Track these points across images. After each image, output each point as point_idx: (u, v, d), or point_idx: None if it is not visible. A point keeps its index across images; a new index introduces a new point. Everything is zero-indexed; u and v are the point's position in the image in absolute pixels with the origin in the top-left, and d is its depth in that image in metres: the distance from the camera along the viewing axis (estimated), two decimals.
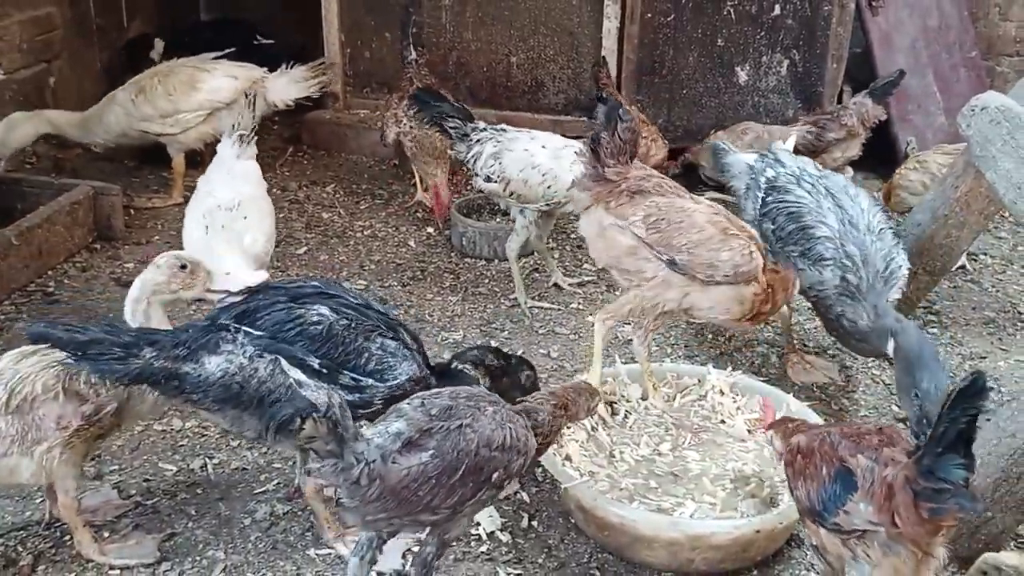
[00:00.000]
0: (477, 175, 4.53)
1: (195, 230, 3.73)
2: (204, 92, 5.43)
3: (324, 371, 2.77)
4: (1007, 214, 5.04)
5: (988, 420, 3.19)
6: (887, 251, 3.48)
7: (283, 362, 2.72)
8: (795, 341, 4.22)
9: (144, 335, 2.67)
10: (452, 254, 5.26)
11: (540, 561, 3.01)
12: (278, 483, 3.35)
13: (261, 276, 3.19)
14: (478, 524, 3.14)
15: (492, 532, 3.12)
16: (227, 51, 6.14)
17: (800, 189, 3.68)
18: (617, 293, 4.21)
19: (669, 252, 3.22)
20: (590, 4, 6.40)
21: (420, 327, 4.44)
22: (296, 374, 2.73)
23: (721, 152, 4.26)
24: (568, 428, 3.29)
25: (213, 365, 2.67)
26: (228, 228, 3.74)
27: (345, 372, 2.83)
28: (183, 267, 3.01)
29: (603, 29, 6.33)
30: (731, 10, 6.15)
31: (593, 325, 3.59)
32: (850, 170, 5.72)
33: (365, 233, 5.51)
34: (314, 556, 3.00)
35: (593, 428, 3.35)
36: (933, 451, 2.15)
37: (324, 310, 2.86)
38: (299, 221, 5.57)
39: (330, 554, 3.01)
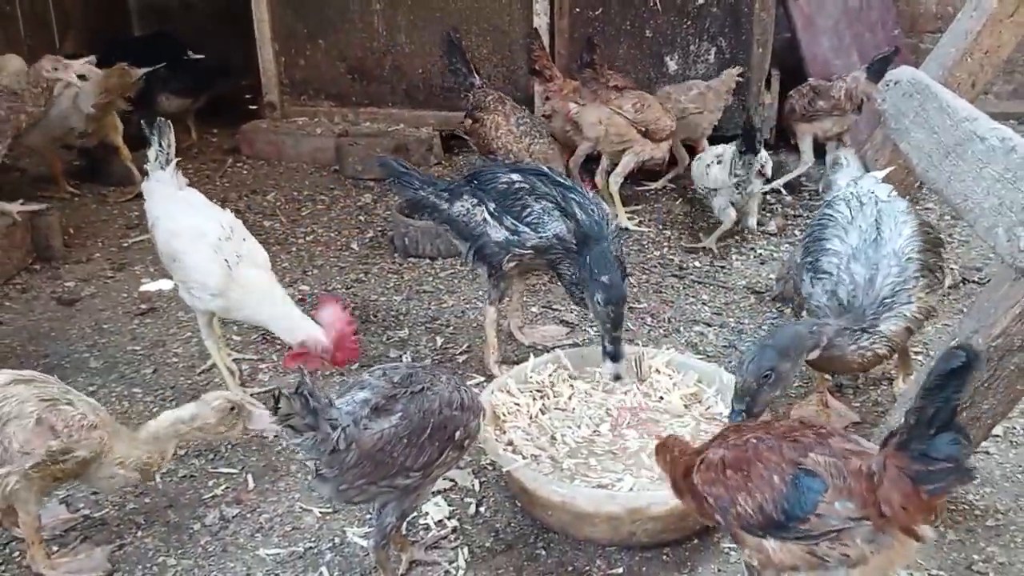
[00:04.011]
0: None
1: (216, 267, 3.63)
2: None
3: (496, 214, 3.82)
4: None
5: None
6: (904, 280, 3.21)
7: (486, 210, 3.84)
8: (828, 381, 3.80)
9: (431, 180, 4.07)
10: (395, 255, 5.31)
11: (488, 545, 3.08)
12: (226, 487, 3.38)
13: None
14: (426, 513, 3.20)
15: (440, 520, 3.18)
16: (157, 66, 6.18)
17: (845, 206, 3.49)
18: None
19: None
20: (519, 2, 6.50)
21: (365, 328, 4.50)
22: (488, 216, 3.85)
23: (836, 167, 4.00)
24: (511, 416, 3.40)
25: (456, 207, 3.91)
26: (245, 256, 3.72)
27: (508, 217, 3.80)
28: (232, 409, 2.98)
29: (533, 25, 6.42)
30: (657, 1, 6.27)
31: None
32: (848, 140, 5.88)
33: (307, 239, 5.55)
34: (264, 556, 3.04)
35: (534, 416, 3.42)
36: (924, 433, 2.11)
37: (516, 176, 3.88)
38: None
39: (279, 554, 3.05)
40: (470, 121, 5.63)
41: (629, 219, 5.72)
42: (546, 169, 3.97)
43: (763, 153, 5.17)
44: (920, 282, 3.26)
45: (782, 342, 3.00)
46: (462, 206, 3.91)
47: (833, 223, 3.47)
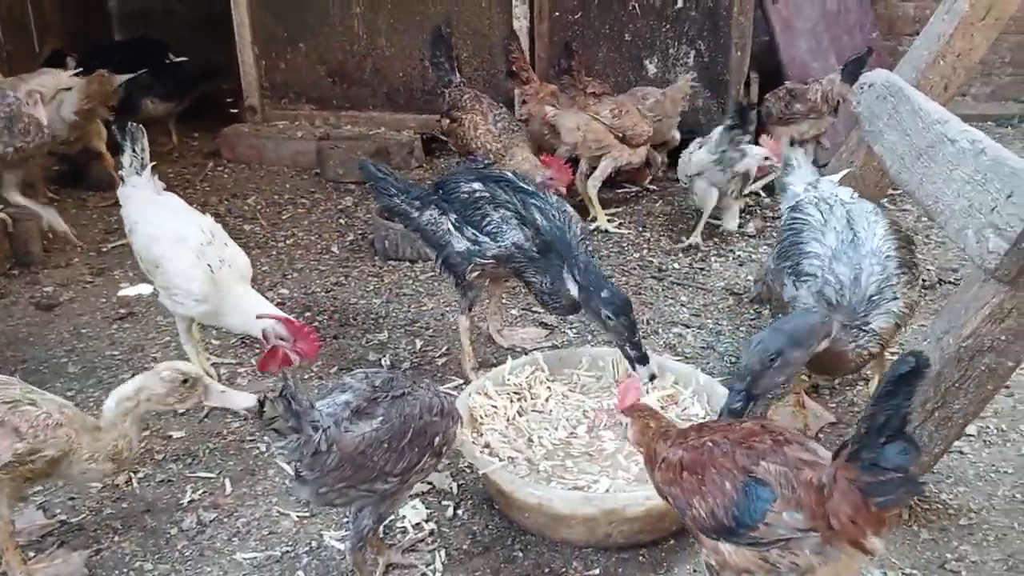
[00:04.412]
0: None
1: (198, 271, 3.65)
2: None
3: (457, 225, 3.84)
4: None
5: None
6: (887, 277, 3.21)
7: (450, 220, 3.85)
8: (804, 382, 3.83)
9: (406, 187, 4.03)
10: (375, 258, 5.32)
11: (465, 547, 3.08)
12: (204, 492, 3.38)
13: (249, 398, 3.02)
14: (403, 517, 3.20)
15: (417, 523, 3.19)
16: (138, 72, 6.17)
17: (815, 209, 3.50)
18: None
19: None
20: (499, 5, 6.52)
21: (344, 331, 4.50)
22: (451, 227, 3.86)
23: (788, 168, 3.98)
24: (488, 418, 3.41)
25: (425, 215, 3.92)
26: (226, 261, 3.72)
27: (469, 227, 3.81)
28: (185, 381, 2.94)
29: (513, 29, 6.44)
30: (636, 5, 6.30)
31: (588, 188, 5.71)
32: (826, 142, 5.94)
33: (288, 243, 5.56)
34: (241, 560, 3.04)
35: (512, 418, 3.44)
36: (875, 442, 2.10)
37: (477, 185, 3.86)
38: None
39: (256, 558, 3.05)
40: (448, 121, 5.63)
41: (609, 221, 5.74)
42: (509, 175, 3.95)
43: (757, 149, 5.26)
44: (902, 278, 3.27)
45: (794, 328, 2.97)
46: (430, 215, 3.92)
47: (807, 226, 3.47)
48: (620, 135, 5.59)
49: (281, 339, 3.52)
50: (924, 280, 4.86)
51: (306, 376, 4.08)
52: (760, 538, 2.22)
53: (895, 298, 3.20)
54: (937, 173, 3.17)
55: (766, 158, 5.24)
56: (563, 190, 5.25)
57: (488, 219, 3.78)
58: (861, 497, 2.11)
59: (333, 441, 2.55)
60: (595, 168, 5.69)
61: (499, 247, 3.74)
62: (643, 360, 3.49)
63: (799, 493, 2.18)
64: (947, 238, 5.21)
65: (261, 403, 2.46)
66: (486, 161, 5.09)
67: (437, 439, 2.74)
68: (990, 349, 2.81)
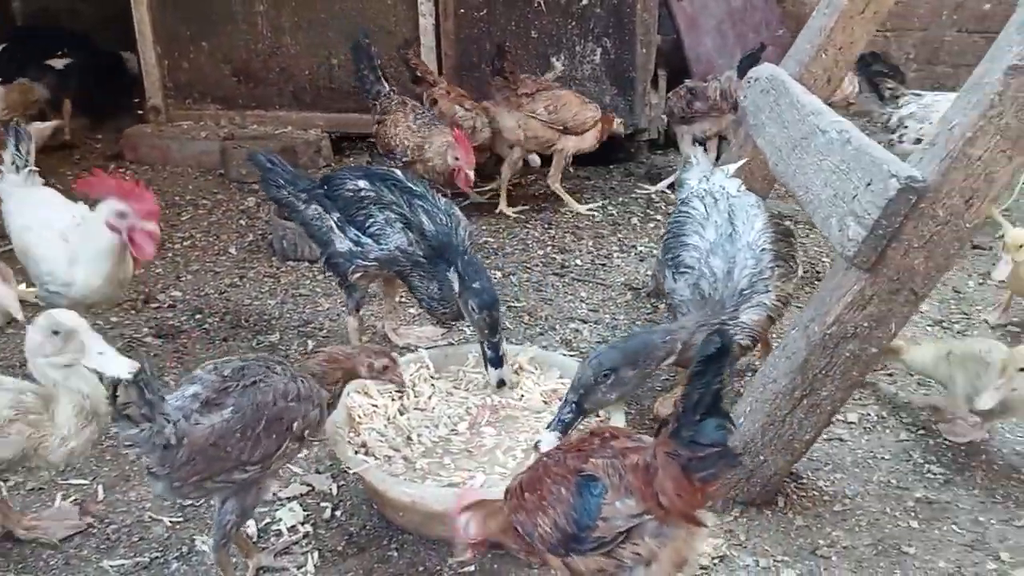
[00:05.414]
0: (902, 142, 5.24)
1: (61, 253, 3.61)
2: None
3: (340, 224, 3.77)
4: None
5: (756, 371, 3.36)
6: (760, 271, 3.27)
7: (332, 219, 3.81)
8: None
9: (295, 179, 3.97)
10: (273, 259, 5.24)
11: (340, 549, 3.03)
12: (74, 499, 3.28)
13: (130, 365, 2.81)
14: (279, 520, 3.14)
15: (292, 525, 3.12)
16: None
17: (700, 203, 3.57)
18: None
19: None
20: (404, 2, 6.48)
21: (235, 332, 4.42)
22: (334, 226, 3.81)
23: (687, 166, 4.09)
24: (367, 417, 3.35)
25: (310, 209, 3.88)
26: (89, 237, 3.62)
27: (351, 228, 3.75)
28: (55, 332, 2.79)
29: (419, 27, 6.41)
30: (541, 1, 6.30)
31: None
32: (732, 139, 5.94)
33: (184, 244, 5.44)
34: (107, 568, 2.95)
35: (392, 417, 3.39)
36: (691, 420, 2.15)
37: (363, 183, 3.79)
38: None
39: (124, 565, 2.96)
40: (376, 126, 5.60)
41: (516, 216, 5.76)
42: (397, 173, 3.91)
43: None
44: (776, 272, 3.34)
45: (631, 348, 3.06)
46: (315, 210, 3.85)
47: (690, 220, 3.54)
48: (562, 127, 5.64)
49: (123, 215, 3.43)
50: (818, 271, 4.95)
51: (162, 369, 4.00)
52: (603, 537, 2.21)
53: (767, 291, 3.25)
54: (808, 163, 3.20)
55: None
56: (471, 174, 5.21)
57: (372, 220, 3.73)
58: (682, 472, 2.15)
59: (183, 435, 2.48)
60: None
61: (381, 250, 3.70)
62: (497, 363, 3.47)
63: (627, 478, 2.19)
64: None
65: (114, 387, 2.39)
66: (403, 159, 5.08)
67: (296, 424, 2.68)
68: (854, 336, 2.84)
